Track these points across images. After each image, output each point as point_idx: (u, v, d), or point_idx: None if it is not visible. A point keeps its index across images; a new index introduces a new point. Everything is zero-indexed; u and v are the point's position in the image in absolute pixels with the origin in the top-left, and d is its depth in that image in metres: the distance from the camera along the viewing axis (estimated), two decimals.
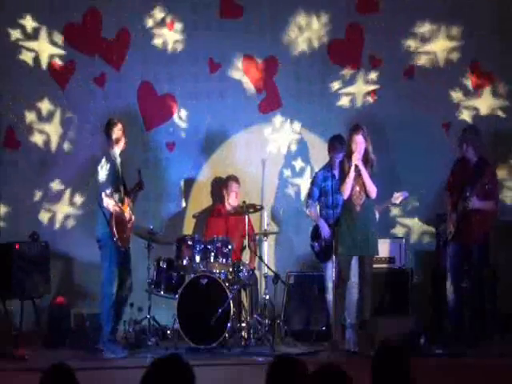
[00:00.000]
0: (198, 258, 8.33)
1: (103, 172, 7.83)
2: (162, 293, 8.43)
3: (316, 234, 8.35)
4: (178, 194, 9.52)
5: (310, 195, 8.37)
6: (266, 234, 8.85)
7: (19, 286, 8.64)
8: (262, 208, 8.87)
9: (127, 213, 7.98)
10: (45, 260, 8.92)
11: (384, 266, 8.81)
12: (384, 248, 8.81)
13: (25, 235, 8.96)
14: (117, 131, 8.04)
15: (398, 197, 8.35)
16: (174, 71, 9.55)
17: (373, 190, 7.90)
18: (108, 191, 7.78)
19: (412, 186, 9.07)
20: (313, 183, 8.36)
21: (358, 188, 7.91)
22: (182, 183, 9.53)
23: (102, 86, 9.50)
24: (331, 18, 9.50)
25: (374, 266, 8.51)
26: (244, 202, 8.70)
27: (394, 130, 9.47)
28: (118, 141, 8.04)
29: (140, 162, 8.94)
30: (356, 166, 7.84)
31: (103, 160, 7.90)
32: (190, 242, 8.40)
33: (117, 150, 8.05)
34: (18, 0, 9.50)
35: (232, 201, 9.04)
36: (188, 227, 9.47)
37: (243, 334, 8.19)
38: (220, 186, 9.29)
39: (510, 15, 9.39)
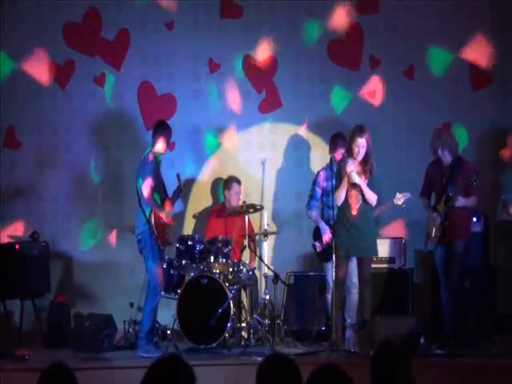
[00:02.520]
0: (198, 258, 8.33)
1: (146, 172, 7.85)
2: (163, 293, 8.42)
3: (318, 233, 8.37)
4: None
5: (311, 196, 8.37)
6: (265, 234, 8.86)
7: (19, 286, 8.64)
8: (262, 208, 8.87)
9: (167, 214, 8.03)
10: (45, 260, 8.91)
11: (384, 266, 8.81)
12: (384, 248, 8.82)
13: (25, 235, 8.97)
14: (169, 134, 8.12)
15: (400, 198, 8.28)
16: (174, 71, 9.55)
17: (373, 199, 7.87)
18: (148, 184, 7.81)
19: (412, 186, 9.07)
20: (314, 183, 8.35)
21: (355, 192, 7.87)
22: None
23: (102, 86, 9.49)
24: (331, 18, 9.51)
25: (374, 266, 8.52)
26: (244, 201, 8.70)
27: (393, 130, 9.48)
28: (165, 144, 8.10)
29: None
30: (349, 175, 7.82)
31: (146, 160, 7.93)
32: (190, 242, 8.40)
33: (161, 151, 8.09)
34: (17, 0, 9.48)
35: (234, 202, 9.03)
36: (188, 227, 9.47)
37: (243, 334, 8.19)
38: (222, 187, 9.29)
39: (510, 15, 9.40)
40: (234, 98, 9.53)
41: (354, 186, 7.86)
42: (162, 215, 7.94)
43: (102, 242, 9.33)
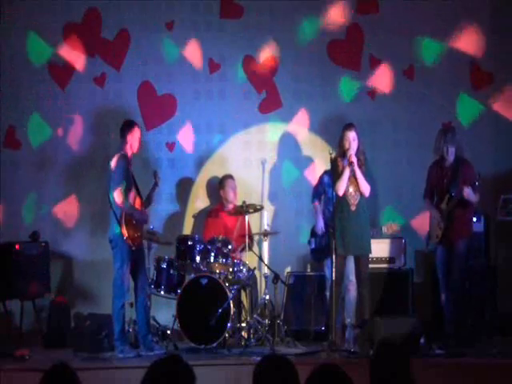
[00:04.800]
0: (198, 258, 8.33)
1: (116, 171, 7.83)
2: (162, 293, 8.44)
3: (314, 231, 8.44)
4: (177, 194, 9.51)
5: (314, 190, 8.54)
6: (265, 234, 8.85)
7: (19, 285, 8.64)
8: (262, 208, 8.88)
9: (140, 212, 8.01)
10: (45, 260, 8.92)
11: (384, 266, 8.81)
12: (384, 248, 8.82)
13: (25, 235, 8.97)
14: (135, 134, 8.04)
15: (389, 227, 8.36)
16: (174, 71, 9.55)
17: (366, 189, 7.94)
18: (120, 189, 7.78)
19: (411, 186, 9.08)
20: (319, 182, 8.45)
21: (352, 187, 7.93)
22: (181, 183, 9.53)
23: (102, 85, 9.50)
24: (331, 18, 9.51)
25: (375, 266, 8.54)
26: (244, 201, 8.69)
27: (393, 130, 9.49)
28: (134, 143, 8.04)
29: (140, 162, 8.94)
30: (351, 164, 7.85)
31: (116, 159, 7.89)
32: (190, 242, 8.40)
33: (130, 151, 8.03)
34: (17, 0, 9.48)
35: (230, 197, 9.06)
36: (188, 227, 9.47)
37: (243, 334, 8.19)
38: (217, 186, 9.31)
39: (510, 15, 9.40)
40: (233, 98, 9.53)
41: (351, 182, 7.89)
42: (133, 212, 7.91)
43: (102, 241, 9.32)
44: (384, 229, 8.38)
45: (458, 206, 7.98)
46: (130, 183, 7.92)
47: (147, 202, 8.21)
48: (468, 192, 7.88)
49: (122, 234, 7.77)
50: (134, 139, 8.02)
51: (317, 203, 8.49)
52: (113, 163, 7.90)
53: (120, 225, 7.77)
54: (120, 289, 7.82)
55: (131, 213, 7.85)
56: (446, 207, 8.02)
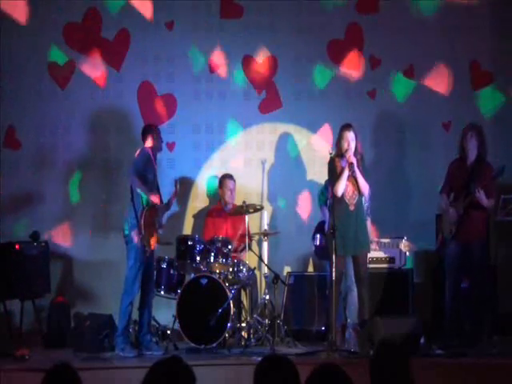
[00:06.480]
0: (198, 258, 8.33)
1: (137, 162, 7.89)
2: (162, 293, 8.44)
3: (320, 228, 8.44)
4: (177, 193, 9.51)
5: (325, 189, 8.50)
6: (265, 234, 8.85)
7: (19, 286, 8.64)
8: (262, 208, 8.88)
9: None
10: (45, 260, 8.92)
11: (384, 266, 8.81)
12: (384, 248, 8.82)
13: (25, 235, 8.97)
14: (155, 135, 8.14)
15: (406, 245, 8.46)
16: (174, 71, 9.55)
17: (365, 188, 7.94)
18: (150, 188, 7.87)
19: (411, 186, 9.08)
20: (326, 186, 8.47)
21: (351, 187, 7.93)
22: (181, 183, 9.53)
23: (102, 86, 9.50)
24: (331, 18, 9.51)
25: (375, 266, 8.53)
26: (244, 201, 8.69)
27: (393, 130, 9.49)
28: (158, 146, 8.15)
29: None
30: (350, 164, 7.85)
31: (138, 152, 7.93)
32: (190, 242, 8.40)
33: (152, 148, 8.10)
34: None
35: (227, 197, 9.06)
36: (188, 227, 9.47)
37: (243, 334, 8.20)
38: (216, 186, 9.32)
39: (510, 15, 9.41)
40: (233, 98, 9.53)
41: (350, 181, 7.90)
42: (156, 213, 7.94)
43: (102, 241, 9.32)
44: (401, 246, 8.48)
45: (474, 206, 7.96)
46: (152, 181, 7.96)
47: (166, 206, 8.22)
48: (481, 195, 7.87)
49: (139, 231, 7.77)
50: (155, 140, 8.10)
51: (324, 207, 8.45)
52: (135, 155, 7.96)
53: (138, 223, 7.77)
54: (131, 286, 7.84)
55: (152, 214, 7.87)
56: (462, 204, 8.01)
